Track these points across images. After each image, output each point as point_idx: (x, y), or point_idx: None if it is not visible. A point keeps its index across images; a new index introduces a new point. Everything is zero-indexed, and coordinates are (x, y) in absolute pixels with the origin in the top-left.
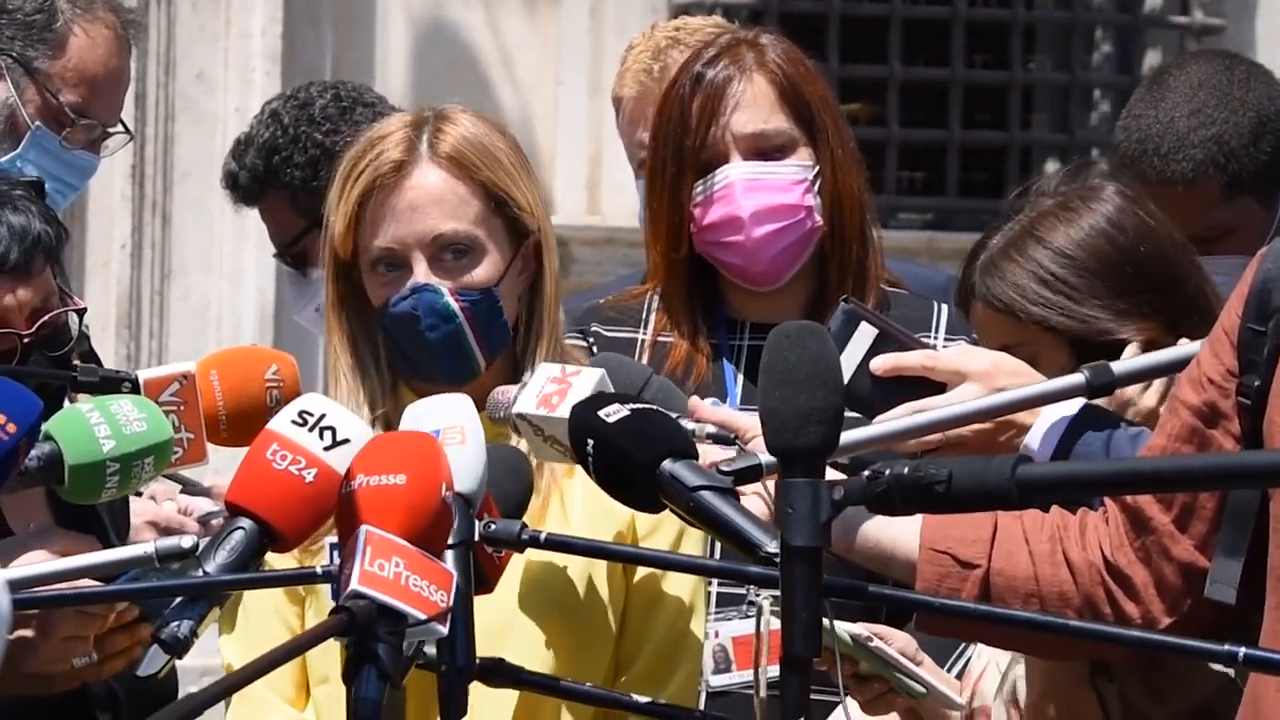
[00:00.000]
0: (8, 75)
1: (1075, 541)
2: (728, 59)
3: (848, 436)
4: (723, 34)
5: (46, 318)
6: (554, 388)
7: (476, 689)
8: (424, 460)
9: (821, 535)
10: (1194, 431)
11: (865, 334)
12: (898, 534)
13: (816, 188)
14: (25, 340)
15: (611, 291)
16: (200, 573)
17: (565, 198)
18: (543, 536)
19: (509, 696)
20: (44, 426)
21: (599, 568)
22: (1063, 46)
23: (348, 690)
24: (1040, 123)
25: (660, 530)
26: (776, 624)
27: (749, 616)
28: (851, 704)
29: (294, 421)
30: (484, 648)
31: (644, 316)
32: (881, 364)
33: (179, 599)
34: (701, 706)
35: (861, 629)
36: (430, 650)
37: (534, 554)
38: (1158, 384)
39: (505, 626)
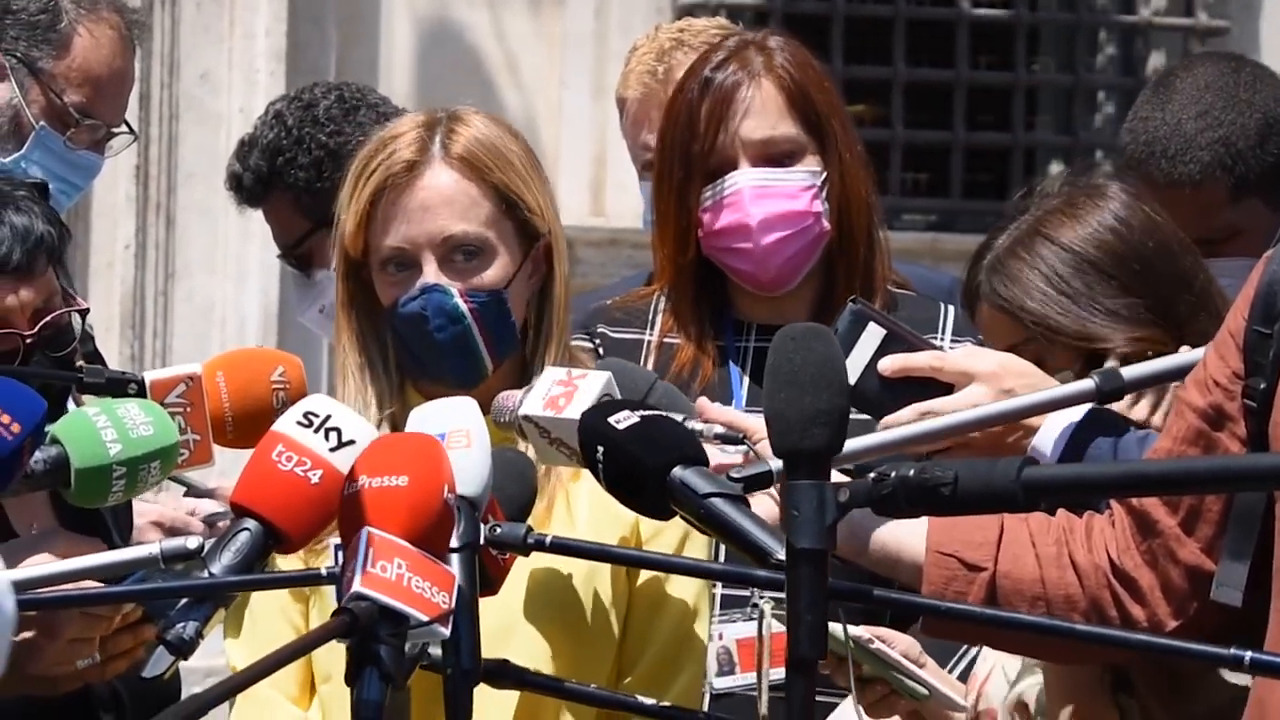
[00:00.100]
0: (12, 75)
1: (1081, 544)
2: (736, 63)
3: (854, 444)
4: (729, 36)
5: (49, 318)
6: (560, 390)
7: (479, 689)
8: (426, 462)
9: (827, 538)
10: (1200, 434)
11: (873, 334)
12: (904, 537)
13: (824, 193)
14: (28, 341)
15: (616, 293)
16: (205, 574)
17: (569, 199)
18: (548, 540)
19: (510, 697)
20: (50, 430)
21: (602, 570)
22: (1067, 48)
23: (350, 692)
24: (1044, 124)
25: (664, 534)
26: (778, 627)
27: (753, 619)
28: (853, 705)
29: (299, 423)
30: (487, 649)
31: (650, 318)
32: (889, 364)
33: (184, 600)
34: (705, 708)
35: (864, 632)
36: (435, 652)
37: (538, 557)
38: (1149, 396)
39: (509, 628)
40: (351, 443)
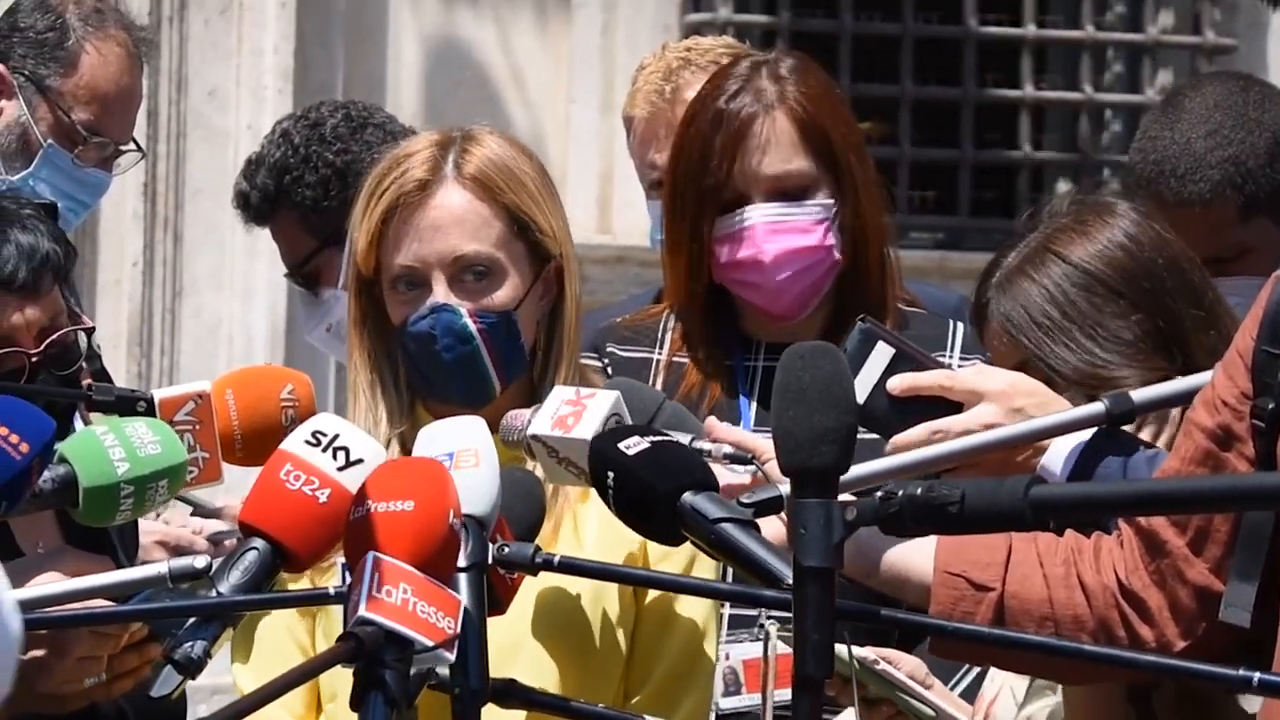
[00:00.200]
0: (20, 93)
1: (1090, 565)
2: (750, 94)
3: (863, 469)
4: (740, 59)
5: (55, 337)
6: (569, 409)
7: (486, 709)
8: (432, 486)
9: (834, 556)
10: (1208, 454)
11: (882, 353)
12: (911, 557)
13: (837, 223)
14: (33, 359)
15: (624, 311)
16: (214, 593)
17: (576, 216)
18: (556, 560)
19: (517, 717)
20: (59, 448)
21: (609, 589)
22: (1074, 66)
23: (356, 717)
24: (1051, 142)
25: (672, 556)
26: (783, 649)
27: (760, 640)
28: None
29: (307, 442)
30: (494, 668)
31: (659, 336)
32: (898, 383)
33: (192, 619)
34: None
35: (870, 652)
36: (443, 672)
37: (545, 576)
38: (1150, 425)
39: (515, 647)
40: (359, 462)
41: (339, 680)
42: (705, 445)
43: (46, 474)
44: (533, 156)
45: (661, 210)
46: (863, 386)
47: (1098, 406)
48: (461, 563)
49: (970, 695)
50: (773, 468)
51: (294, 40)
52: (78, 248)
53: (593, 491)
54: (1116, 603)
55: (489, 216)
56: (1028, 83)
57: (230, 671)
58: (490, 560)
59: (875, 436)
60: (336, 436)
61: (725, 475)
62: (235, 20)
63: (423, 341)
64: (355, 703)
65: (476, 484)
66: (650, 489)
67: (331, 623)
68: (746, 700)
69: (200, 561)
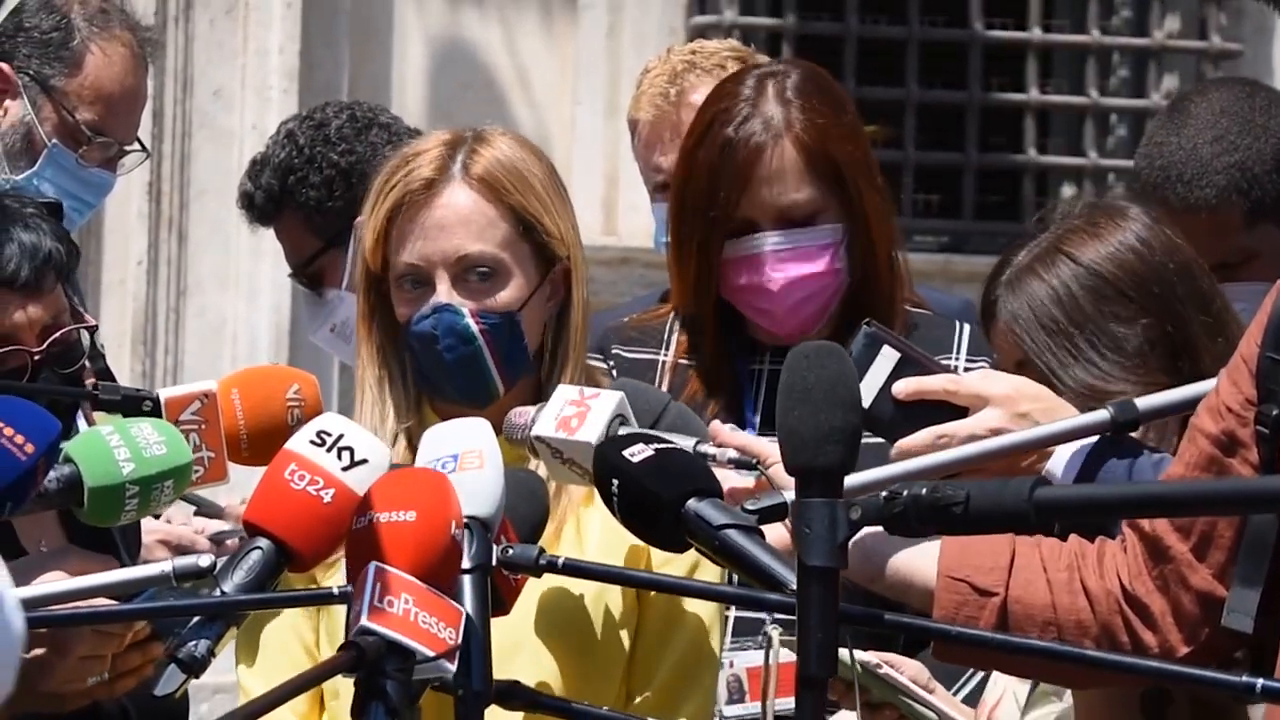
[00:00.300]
0: (25, 93)
1: (1093, 570)
2: (758, 121)
3: (867, 476)
4: (747, 70)
5: (57, 335)
6: (573, 410)
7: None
8: (434, 497)
9: (838, 556)
10: (1212, 460)
11: (887, 357)
12: (915, 562)
13: (845, 245)
14: (36, 357)
15: (629, 312)
16: (218, 592)
17: (581, 218)
18: (560, 561)
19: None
20: (64, 448)
21: (612, 589)
22: (1079, 70)
23: None
24: (1056, 146)
25: (675, 561)
26: (785, 657)
27: (764, 647)
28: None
29: (312, 441)
30: (495, 667)
31: (665, 338)
32: (903, 388)
33: (196, 618)
34: None
35: (872, 657)
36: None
37: (548, 576)
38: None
39: (517, 646)
40: (364, 462)
41: (341, 679)
42: (710, 449)
43: (51, 474)
44: (543, 158)
45: (666, 224)
46: (868, 390)
47: (1102, 414)
48: (465, 564)
49: (973, 701)
50: (777, 472)
51: (299, 40)
52: (82, 247)
53: (595, 495)
54: (1120, 608)
55: (495, 217)
56: (1033, 86)
57: (232, 670)
58: (494, 562)
59: (880, 441)
60: (341, 436)
61: (730, 479)
62: (241, 20)
63: (425, 341)
64: (356, 712)
65: (481, 486)
66: (654, 496)
67: (334, 622)
68: (751, 708)
69: (204, 561)
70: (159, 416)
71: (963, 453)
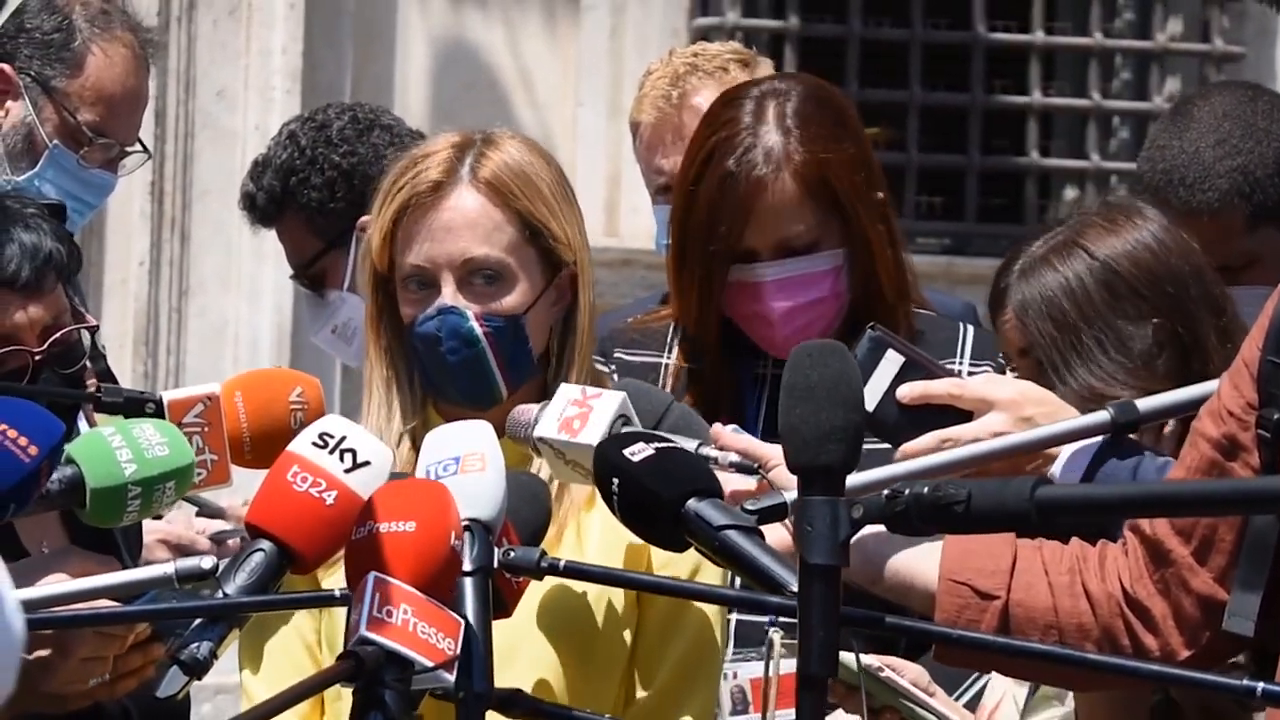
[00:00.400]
0: (26, 94)
1: (1094, 573)
2: (758, 152)
3: (869, 475)
4: (746, 90)
5: (58, 335)
6: (575, 411)
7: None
8: (433, 507)
9: (840, 554)
10: (1213, 464)
11: (892, 361)
12: (916, 565)
13: (847, 269)
14: (36, 357)
15: (631, 314)
16: (220, 594)
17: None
18: (562, 564)
19: None
20: (66, 449)
21: (613, 589)
22: (1082, 73)
23: None
24: (1059, 149)
25: (675, 563)
26: (786, 667)
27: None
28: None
29: (314, 443)
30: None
31: (667, 340)
32: (908, 392)
33: (198, 620)
34: None
35: (874, 660)
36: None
37: (549, 576)
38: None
39: (516, 645)
40: (367, 464)
41: None
42: (711, 452)
43: (54, 475)
44: (552, 162)
45: (666, 250)
46: (872, 394)
47: (1103, 415)
48: (467, 567)
49: (975, 706)
50: (778, 475)
51: (302, 41)
52: (84, 247)
53: (598, 498)
54: (1121, 611)
55: (501, 221)
56: (1036, 89)
57: (234, 671)
58: (495, 565)
59: (883, 446)
60: (344, 439)
61: (732, 482)
62: (243, 21)
63: (429, 342)
64: None
65: (482, 488)
66: (654, 496)
67: (334, 623)
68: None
69: (206, 562)
70: (162, 419)
71: (964, 453)
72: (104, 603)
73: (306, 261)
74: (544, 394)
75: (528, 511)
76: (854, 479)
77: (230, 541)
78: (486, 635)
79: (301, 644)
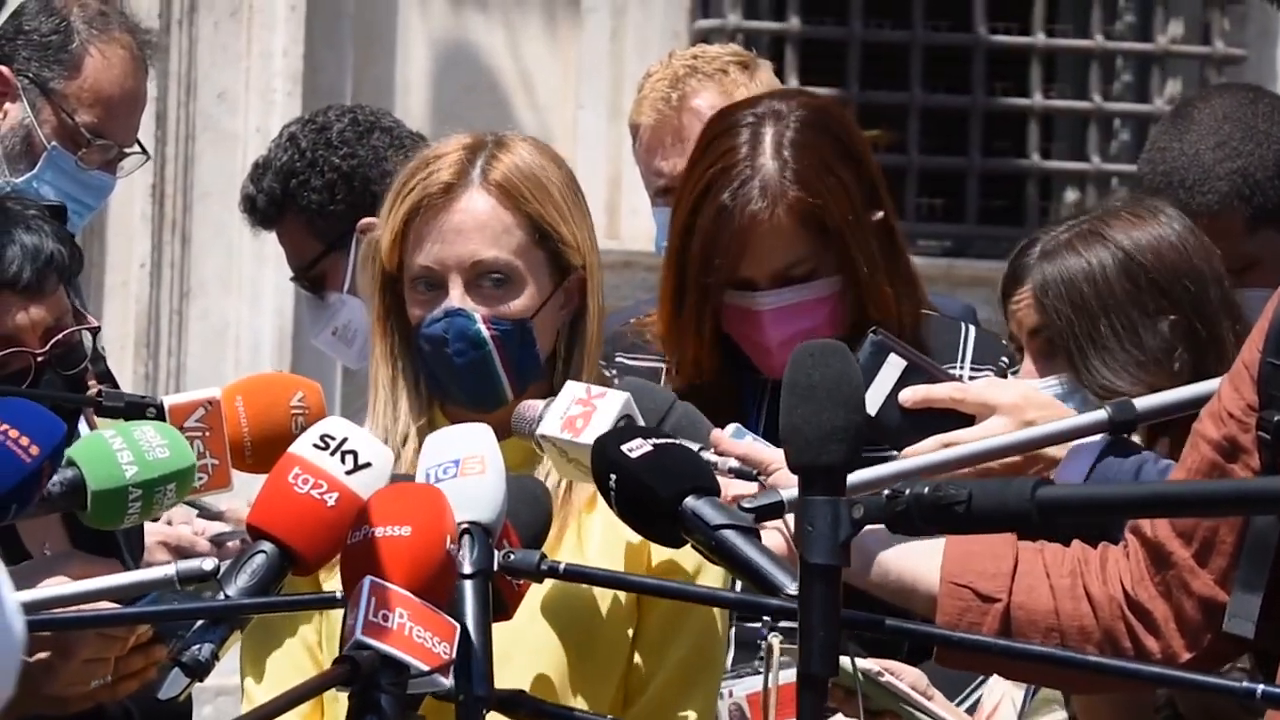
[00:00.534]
0: (24, 96)
1: (1096, 576)
2: (754, 186)
3: (873, 472)
4: (744, 112)
5: (60, 336)
6: (579, 410)
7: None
8: (429, 512)
9: (841, 554)
10: (1214, 466)
11: (894, 365)
12: (918, 568)
13: (843, 294)
14: (39, 359)
15: (632, 315)
16: (221, 596)
17: None
18: (562, 567)
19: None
20: (67, 452)
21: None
22: (1083, 75)
23: None
24: (1060, 151)
25: (675, 573)
26: (785, 678)
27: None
28: None
29: (316, 445)
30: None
31: None
32: (910, 396)
33: (200, 622)
34: None
35: (872, 664)
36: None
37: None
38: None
39: (515, 646)
40: (368, 466)
41: None
42: (711, 458)
43: (55, 477)
44: (563, 166)
45: (660, 281)
46: (874, 398)
47: (1100, 414)
48: (467, 569)
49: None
50: (778, 479)
51: (303, 44)
52: (85, 249)
53: (599, 501)
54: (1122, 614)
55: (511, 224)
56: (1037, 91)
57: (235, 673)
58: (495, 567)
59: (885, 453)
60: (345, 440)
61: (732, 486)
62: (244, 23)
63: (435, 344)
64: None
65: (482, 491)
66: (651, 493)
67: (334, 624)
68: None
69: (208, 564)
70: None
71: (964, 451)
72: (105, 604)
73: (307, 264)
74: (551, 395)
75: (528, 514)
76: (855, 476)
77: (230, 544)
78: (486, 637)
79: (304, 648)
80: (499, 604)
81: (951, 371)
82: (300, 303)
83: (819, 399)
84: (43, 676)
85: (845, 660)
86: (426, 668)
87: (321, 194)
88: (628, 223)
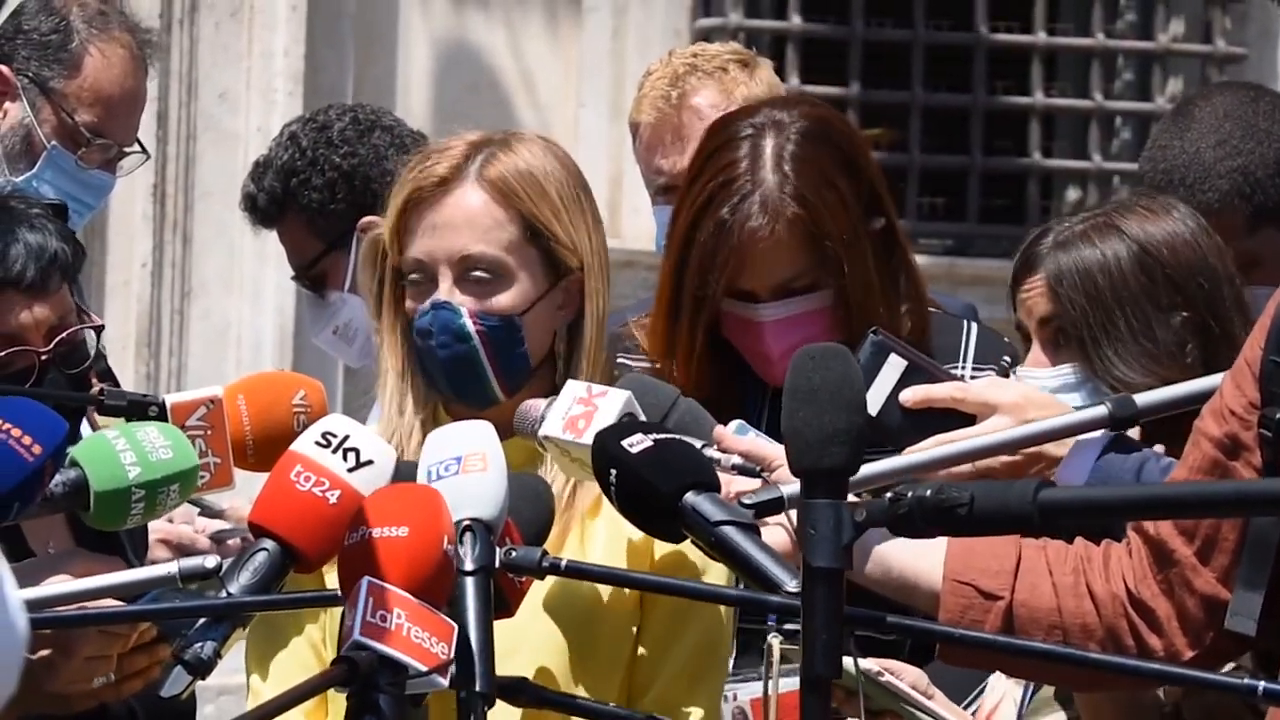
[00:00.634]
0: (24, 95)
1: (1099, 573)
2: (754, 202)
3: (875, 468)
4: (743, 121)
5: (64, 335)
6: (580, 410)
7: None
8: (426, 512)
9: (843, 557)
10: (1215, 463)
11: (894, 365)
12: (921, 565)
13: (844, 304)
14: (43, 358)
15: (633, 315)
16: (223, 593)
17: None
18: (563, 564)
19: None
20: (70, 452)
21: (616, 590)
22: (1084, 73)
23: None
24: (1061, 149)
25: (682, 568)
26: (785, 686)
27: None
28: None
29: (318, 443)
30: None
31: None
32: (911, 396)
33: (202, 619)
34: None
35: (873, 664)
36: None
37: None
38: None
39: (516, 645)
40: (370, 463)
41: None
42: (714, 454)
43: (58, 477)
44: (569, 168)
45: (657, 291)
46: (875, 398)
47: (1100, 410)
48: (469, 566)
49: None
50: (781, 475)
51: (304, 43)
52: (86, 248)
53: (602, 506)
54: (1125, 612)
55: (503, 220)
56: (1038, 90)
57: (237, 672)
58: (497, 564)
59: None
60: (347, 438)
61: (736, 483)
62: (246, 23)
63: (423, 336)
64: None
65: (484, 488)
66: (652, 488)
67: (337, 623)
68: None
69: (210, 562)
70: (165, 422)
71: (965, 446)
72: (107, 602)
73: (307, 263)
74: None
75: (530, 511)
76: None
77: (230, 541)
78: (488, 634)
79: (309, 646)
80: (501, 601)
81: (953, 371)
82: (302, 302)
83: (820, 402)
84: (45, 674)
85: (846, 660)
86: (424, 668)
87: (322, 193)
88: (629, 222)
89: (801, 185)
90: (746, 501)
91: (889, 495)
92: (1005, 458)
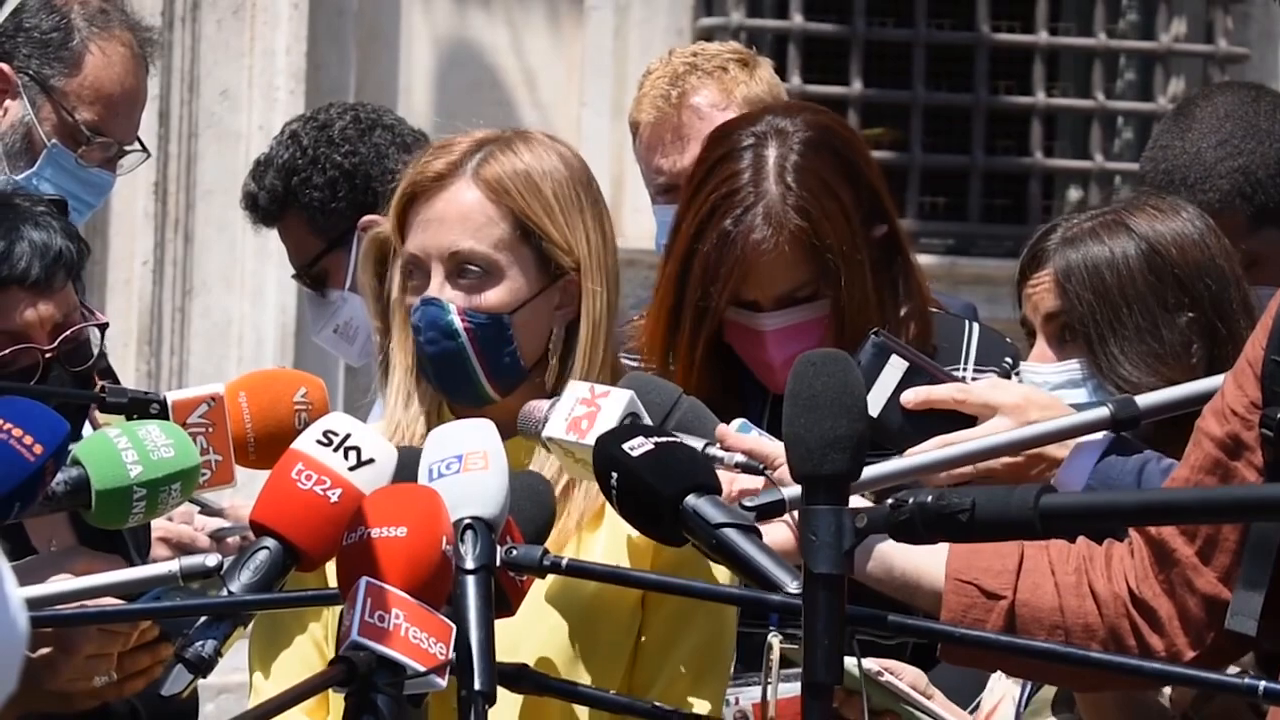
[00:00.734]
0: (24, 93)
1: (1101, 573)
2: (757, 214)
3: (876, 470)
4: (745, 129)
5: (68, 333)
6: (583, 410)
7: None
8: (425, 513)
9: (844, 563)
10: (1217, 463)
11: (895, 367)
12: (923, 564)
13: (844, 310)
14: (47, 355)
15: (633, 313)
16: (225, 592)
17: None
18: (564, 562)
19: (514, 700)
20: (72, 450)
21: (617, 589)
22: (1086, 73)
23: None
24: (1063, 149)
25: (687, 564)
26: (786, 690)
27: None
28: None
29: (319, 441)
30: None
31: None
32: (912, 397)
33: (203, 618)
34: None
35: (872, 664)
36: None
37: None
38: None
39: (516, 644)
40: (371, 461)
41: None
42: (717, 452)
43: (59, 476)
44: (573, 167)
45: (655, 298)
46: (876, 400)
47: (1102, 411)
48: (469, 565)
49: None
50: (784, 474)
51: (306, 41)
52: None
53: (604, 515)
54: (1127, 611)
55: (494, 217)
56: (1039, 89)
57: (238, 670)
58: (499, 563)
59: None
60: (348, 436)
61: (740, 480)
62: (247, 21)
63: (415, 331)
64: None
65: (485, 487)
66: (653, 491)
67: (337, 620)
68: None
69: (211, 560)
70: (166, 419)
71: (967, 448)
72: (108, 601)
73: (308, 261)
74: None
75: (531, 510)
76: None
77: (230, 540)
78: (489, 633)
79: (312, 644)
80: (502, 600)
81: (954, 372)
82: (303, 300)
83: (821, 408)
84: (45, 672)
85: (848, 661)
86: (423, 668)
87: (323, 191)
88: (630, 221)
89: (804, 197)
90: (748, 504)
91: (890, 501)
92: (1006, 459)
